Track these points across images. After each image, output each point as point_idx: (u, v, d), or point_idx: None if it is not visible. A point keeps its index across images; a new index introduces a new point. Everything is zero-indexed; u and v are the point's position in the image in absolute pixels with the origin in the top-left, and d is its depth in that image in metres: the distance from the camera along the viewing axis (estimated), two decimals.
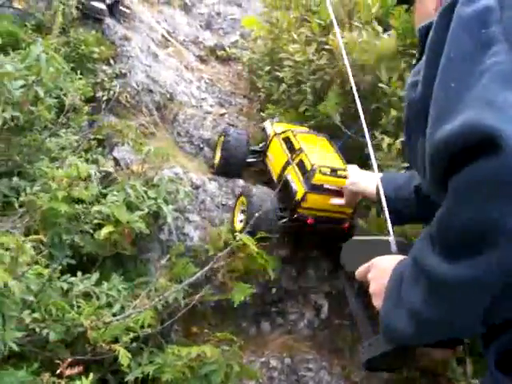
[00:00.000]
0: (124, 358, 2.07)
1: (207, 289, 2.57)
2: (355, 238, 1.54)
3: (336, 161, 3.13)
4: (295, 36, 3.84)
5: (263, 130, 3.75)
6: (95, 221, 2.64)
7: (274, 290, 3.18)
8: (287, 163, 3.19)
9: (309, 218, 2.99)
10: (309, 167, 3.00)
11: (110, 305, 2.37)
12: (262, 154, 3.59)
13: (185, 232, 3.08)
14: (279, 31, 4.30)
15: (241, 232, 2.93)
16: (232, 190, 3.41)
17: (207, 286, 2.61)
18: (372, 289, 1.23)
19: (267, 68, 4.35)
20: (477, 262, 0.89)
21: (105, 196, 2.76)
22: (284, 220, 3.12)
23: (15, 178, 2.57)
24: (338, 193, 2.93)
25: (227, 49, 5.26)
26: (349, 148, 3.49)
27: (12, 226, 2.34)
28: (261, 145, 3.69)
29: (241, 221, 3.15)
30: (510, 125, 0.84)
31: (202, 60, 5.04)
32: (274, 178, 3.35)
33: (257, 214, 2.68)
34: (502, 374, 1.02)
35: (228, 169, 3.62)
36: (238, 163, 3.60)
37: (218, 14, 5.85)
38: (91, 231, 2.66)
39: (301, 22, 4.21)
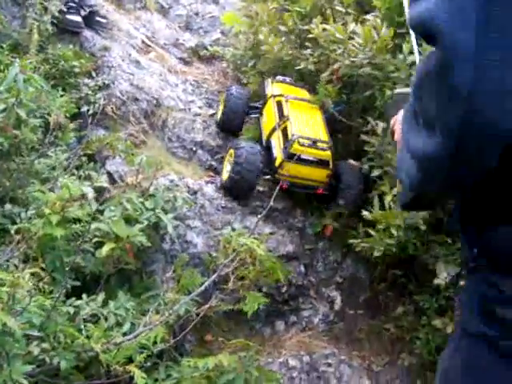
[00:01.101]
0: (139, 378, 2.00)
1: (218, 298, 2.49)
2: (397, 90, 1.50)
3: (320, 132, 3.28)
4: (283, 28, 3.79)
5: (263, 88, 3.89)
6: (95, 239, 2.57)
7: (284, 288, 3.12)
8: (274, 128, 3.37)
9: (284, 182, 3.17)
10: (289, 136, 3.17)
11: (119, 324, 2.29)
12: (259, 111, 3.78)
13: (187, 239, 3.01)
14: (259, 24, 4.23)
15: (226, 182, 3.28)
16: None
17: (217, 295, 2.53)
18: (395, 139, 1.23)
19: (251, 62, 4.29)
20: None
21: (102, 212, 2.69)
22: (267, 176, 3.36)
23: (8, 205, 2.50)
24: (315, 163, 3.15)
25: (209, 48, 5.18)
26: (343, 135, 3.46)
27: (10, 254, 2.27)
28: (260, 101, 3.86)
29: (228, 171, 3.30)
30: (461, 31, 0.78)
31: (185, 62, 4.95)
32: (264, 138, 3.53)
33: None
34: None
35: (230, 123, 3.88)
36: (239, 117, 3.85)
37: (196, 13, 5.76)
38: (92, 250, 2.59)
39: (280, 13, 4.15)
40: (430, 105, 0.86)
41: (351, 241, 3.03)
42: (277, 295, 3.10)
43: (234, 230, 3.01)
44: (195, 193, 3.24)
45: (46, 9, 3.58)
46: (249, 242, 2.32)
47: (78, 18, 4.02)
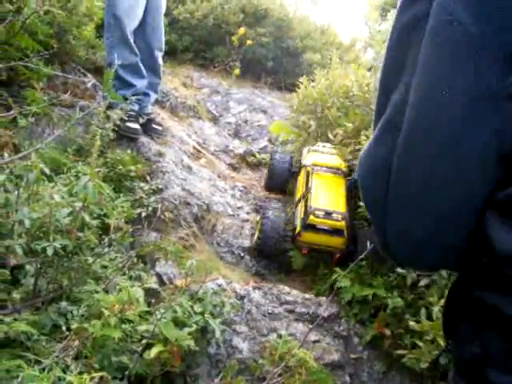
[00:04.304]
0: None
1: None
2: None
3: (339, 203, 3.59)
4: (331, 136, 3.94)
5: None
6: (143, 340, 2.61)
7: None
8: (300, 198, 3.80)
9: (303, 248, 3.62)
10: (308, 208, 3.54)
11: None
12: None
13: (233, 344, 3.02)
14: (308, 135, 4.41)
15: (254, 248, 3.85)
16: (277, 297, 3.37)
17: None
18: None
19: None
20: None
21: (150, 313, 2.74)
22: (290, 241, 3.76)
23: (63, 303, 2.58)
24: (330, 232, 3.48)
25: (257, 154, 5.39)
26: None
27: (62, 351, 2.32)
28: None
29: (255, 236, 3.84)
30: None
31: (233, 168, 5.15)
32: (294, 205, 3.98)
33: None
34: None
35: (274, 184, 4.61)
36: (283, 179, 4.55)
37: (245, 121, 6.04)
38: (139, 351, 2.62)
39: (329, 125, 4.32)
40: None
41: (398, 352, 3.00)
42: None
43: (280, 336, 3.01)
44: (242, 298, 3.28)
45: (108, 117, 3.83)
46: (301, 354, 2.33)
47: (137, 126, 4.28)
